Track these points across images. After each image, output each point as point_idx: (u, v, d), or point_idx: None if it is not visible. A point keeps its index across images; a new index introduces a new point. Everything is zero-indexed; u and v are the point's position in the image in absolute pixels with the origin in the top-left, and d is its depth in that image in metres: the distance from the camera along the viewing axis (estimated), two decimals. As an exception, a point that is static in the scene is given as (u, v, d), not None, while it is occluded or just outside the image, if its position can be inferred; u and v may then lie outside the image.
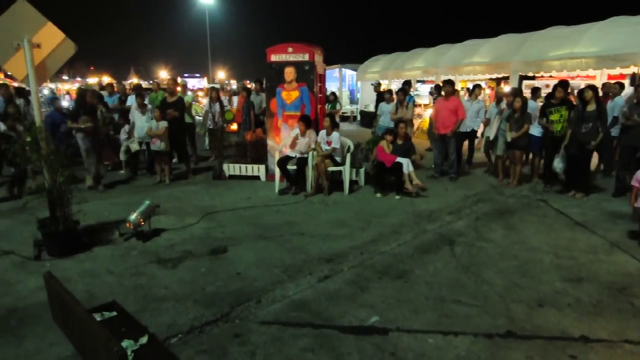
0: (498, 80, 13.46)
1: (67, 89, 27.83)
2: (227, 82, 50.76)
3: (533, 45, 10.65)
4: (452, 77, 11.33)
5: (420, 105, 13.69)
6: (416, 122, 12.66)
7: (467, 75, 13.33)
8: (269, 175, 7.68)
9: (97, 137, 7.08)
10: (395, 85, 15.90)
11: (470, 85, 11.38)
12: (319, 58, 7.59)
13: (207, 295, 3.64)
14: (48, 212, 4.62)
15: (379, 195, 6.73)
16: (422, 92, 15.40)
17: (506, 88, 10.08)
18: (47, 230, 4.49)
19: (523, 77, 11.46)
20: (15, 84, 21.30)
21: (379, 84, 12.60)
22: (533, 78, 12.22)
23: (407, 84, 10.51)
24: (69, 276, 3.93)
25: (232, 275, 4.03)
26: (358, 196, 6.83)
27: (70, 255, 4.42)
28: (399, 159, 6.59)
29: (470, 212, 5.93)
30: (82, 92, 7.98)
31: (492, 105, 8.40)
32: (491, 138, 7.68)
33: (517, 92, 7.73)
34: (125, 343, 2.42)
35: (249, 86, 17.85)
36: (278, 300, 3.58)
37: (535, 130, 7.10)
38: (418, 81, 16.06)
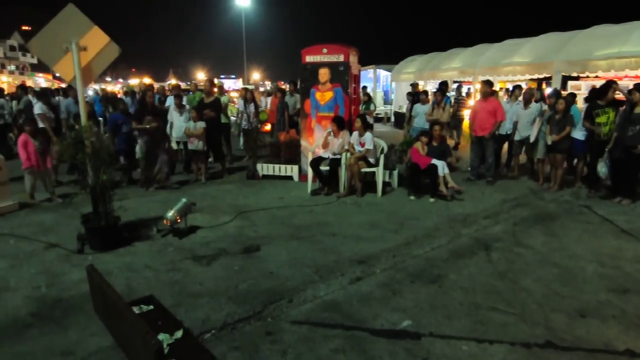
0: (540, 81, 12.99)
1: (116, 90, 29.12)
2: (261, 82, 51.52)
3: (577, 44, 10.19)
4: (490, 78, 11.02)
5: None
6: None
7: (506, 76, 12.93)
8: (302, 175, 7.72)
9: (161, 137, 7.30)
10: (431, 86, 15.66)
11: (510, 86, 11.05)
12: (354, 59, 7.57)
13: (240, 293, 3.70)
14: (91, 207, 4.82)
15: (412, 197, 6.64)
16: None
17: (548, 89, 9.72)
18: (89, 225, 4.69)
19: (567, 78, 11.01)
20: (63, 85, 22.43)
21: (417, 85, 12.42)
22: (577, 78, 11.72)
23: (443, 85, 10.31)
24: (110, 270, 4.09)
25: (264, 273, 4.08)
26: (391, 198, 6.76)
27: (111, 250, 4.59)
28: (434, 161, 6.48)
29: (508, 217, 5.75)
30: (143, 92, 8.23)
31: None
32: (531, 140, 7.42)
33: (557, 93, 7.44)
34: (161, 336, 2.49)
35: (282, 87, 18.04)
36: (309, 300, 3.58)
37: (579, 133, 6.79)
38: (455, 82, 15.73)
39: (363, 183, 6.87)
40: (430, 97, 9.75)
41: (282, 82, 35.07)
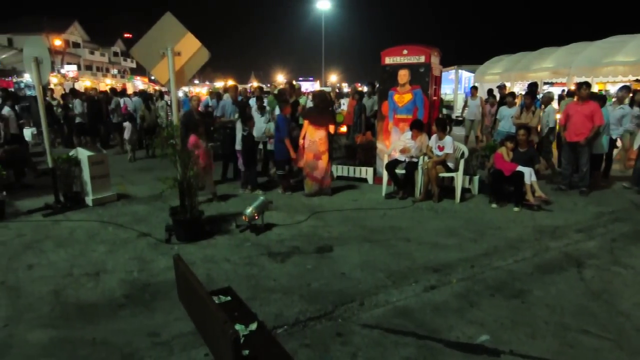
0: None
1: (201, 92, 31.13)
2: (338, 85, 51.90)
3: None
4: (587, 79, 10.08)
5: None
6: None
7: (605, 77, 11.78)
8: (377, 178, 7.64)
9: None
10: (518, 88, 14.72)
11: (612, 89, 10.03)
12: (435, 60, 7.34)
13: (312, 292, 3.74)
14: (179, 201, 5.17)
15: (494, 205, 6.27)
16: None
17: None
18: (176, 217, 5.03)
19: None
20: (157, 87, 24.43)
21: (504, 86, 11.71)
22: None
23: (533, 86, 9.62)
24: (193, 260, 4.35)
25: (336, 274, 4.09)
26: (470, 205, 6.45)
27: (194, 241, 4.89)
28: (519, 168, 6.06)
29: (604, 232, 5.21)
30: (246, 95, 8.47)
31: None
32: (634, 148, 6.67)
33: None
34: (237, 327, 2.59)
35: (360, 89, 18.03)
36: (381, 305, 3.53)
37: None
38: (545, 83, 14.64)
39: (440, 188, 6.63)
40: (517, 99, 9.16)
41: (359, 84, 35.08)
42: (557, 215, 5.85)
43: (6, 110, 8.38)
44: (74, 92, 13.28)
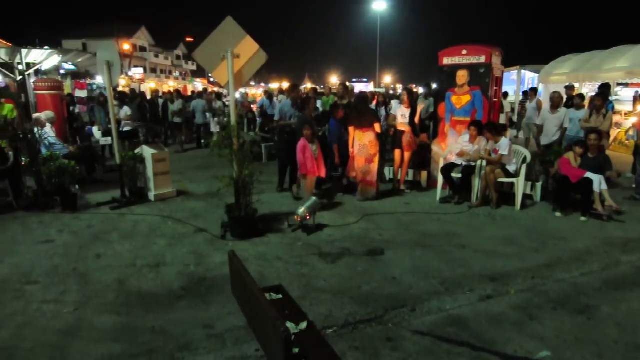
0: None
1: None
2: (392, 86, 51.23)
3: None
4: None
5: (620, 112, 11.58)
6: (613, 133, 10.75)
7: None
8: (431, 181, 7.45)
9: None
10: (587, 89, 13.80)
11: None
12: (496, 60, 7.03)
13: (362, 294, 3.71)
14: (234, 199, 5.32)
15: (558, 214, 5.90)
16: (623, 97, 12.98)
17: None
18: (232, 214, 5.19)
19: None
20: (216, 89, 25.37)
21: (573, 87, 11.02)
22: None
23: (605, 88, 8.96)
24: (246, 257, 4.46)
25: (387, 278, 4.03)
26: (531, 213, 6.11)
27: (248, 239, 5.02)
28: (588, 175, 5.67)
29: (685, 247, 4.75)
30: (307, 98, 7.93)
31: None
32: None
33: None
34: (288, 325, 2.62)
35: (415, 90, 17.69)
36: (434, 312, 3.43)
37: None
38: (618, 84, 13.60)
39: (499, 194, 6.34)
40: (586, 102, 8.59)
41: (414, 86, 34.44)
42: (630, 227, 5.41)
43: (124, 110, 10.37)
44: (179, 93, 14.10)
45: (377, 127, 6.69)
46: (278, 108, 7.51)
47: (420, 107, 7.48)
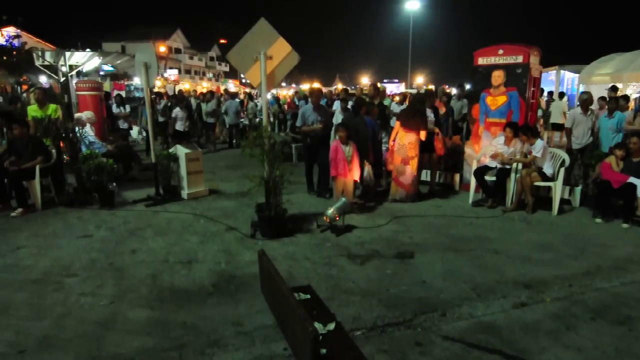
0: None
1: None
2: (424, 86, 50.51)
3: None
4: None
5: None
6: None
7: None
8: (464, 184, 7.30)
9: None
10: (631, 90, 13.17)
11: None
12: (534, 59, 6.81)
13: (391, 297, 3.67)
14: (264, 198, 5.38)
15: (598, 220, 5.66)
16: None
17: None
18: (261, 214, 5.24)
19: None
20: (247, 90, 25.75)
21: (616, 89, 10.53)
22: None
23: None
24: (275, 256, 4.49)
25: (417, 281, 3.97)
26: (569, 218, 5.89)
27: (277, 238, 5.06)
28: (631, 180, 5.41)
29: None
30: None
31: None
32: None
33: None
34: (315, 325, 2.62)
35: (448, 91, 17.36)
36: (464, 318, 3.35)
37: None
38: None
39: (535, 198, 6.14)
40: (631, 103, 8.20)
41: (447, 86, 33.80)
42: (678, 236, 5.12)
43: (177, 111, 11.05)
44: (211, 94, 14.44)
45: (423, 134, 6.51)
46: (300, 113, 7.28)
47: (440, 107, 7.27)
